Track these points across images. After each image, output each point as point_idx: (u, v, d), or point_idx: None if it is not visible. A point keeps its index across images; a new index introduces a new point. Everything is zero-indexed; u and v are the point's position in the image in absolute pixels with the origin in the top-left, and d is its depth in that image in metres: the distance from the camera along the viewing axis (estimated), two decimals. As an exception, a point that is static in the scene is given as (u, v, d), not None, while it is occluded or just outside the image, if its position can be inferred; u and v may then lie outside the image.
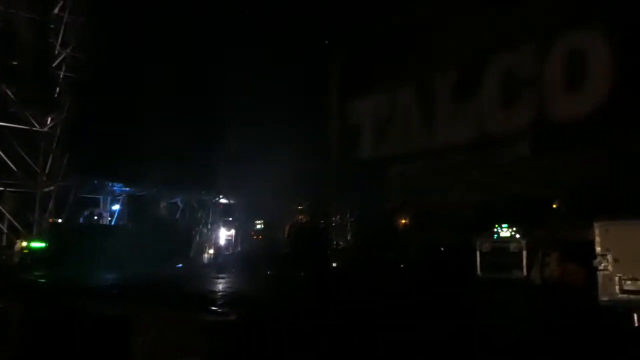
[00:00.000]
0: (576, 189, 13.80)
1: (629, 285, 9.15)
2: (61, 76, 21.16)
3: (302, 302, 12.53)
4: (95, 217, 23.49)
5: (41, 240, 19.23)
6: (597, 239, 9.63)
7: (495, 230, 15.15)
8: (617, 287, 9.26)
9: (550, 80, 14.76)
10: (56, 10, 21.16)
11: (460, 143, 16.62)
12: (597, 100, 13.63)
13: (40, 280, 16.45)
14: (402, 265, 17.87)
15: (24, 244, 19.15)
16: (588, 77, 13.95)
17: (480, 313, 10.75)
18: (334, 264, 20.46)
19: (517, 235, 14.80)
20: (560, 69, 14.52)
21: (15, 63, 20.17)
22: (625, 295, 9.21)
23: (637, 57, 12.85)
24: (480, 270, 14.76)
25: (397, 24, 18.44)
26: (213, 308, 12.15)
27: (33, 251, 18.92)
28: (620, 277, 9.27)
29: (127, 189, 24.65)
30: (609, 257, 9.38)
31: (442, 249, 16.84)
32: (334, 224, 22.02)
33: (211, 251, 26.75)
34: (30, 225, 19.84)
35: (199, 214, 27.53)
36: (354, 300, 12.54)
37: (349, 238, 21.72)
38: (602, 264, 9.45)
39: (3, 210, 19.94)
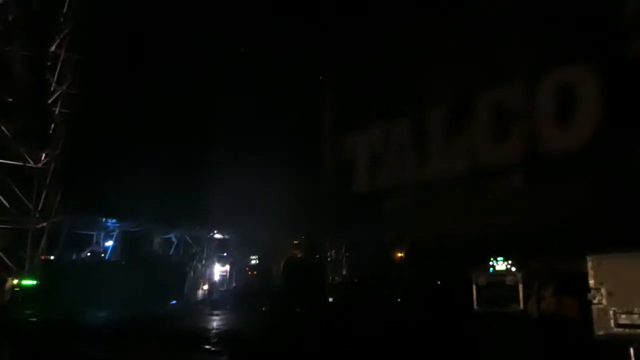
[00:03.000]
0: (570, 221, 13.80)
1: (624, 319, 9.09)
2: (56, 112, 21.26)
3: (297, 340, 12.36)
4: (88, 253, 23.31)
5: (33, 277, 18.98)
6: (591, 272, 9.63)
7: (491, 263, 15.12)
8: (612, 321, 9.20)
9: (541, 113, 14.91)
10: (53, 48, 21.42)
11: (453, 176, 16.67)
12: (588, 132, 13.77)
13: (31, 319, 16.20)
14: (398, 300, 17.72)
15: (15, 281, 18.89)
16: (578, 110, 14.11)
17: (479, 349, 10.63)
18: (330, 299, 20.27)
19: (513, 269, 14.77)
20: (551, 103, 14.69)
21: (10, 99, 20.29)
22: (620, 330, 9.14)
23: (625, 90, 13.06)
24: (477, 304, 14.67)
25: (389, 59, 18.72)
26: (206, 347, 11.99)
27: (24, 289, 18.65)
28: (615, 310, 9.22)
29: (121, 224, 24.49)
30: (603, 290, 9.36)
31: (439, 282, 16.76)
32: (329, 259, 21.91)
33: (205, 287, 26.45)
34: (22, 262, 19.61)
35: (193, 250, 27.31)
36: (351, 337, 12.38)
37: (344, 273, 21.58)
38: (597, 298, 9.42)
39: (-5, 247, 19.74)
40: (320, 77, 21.85)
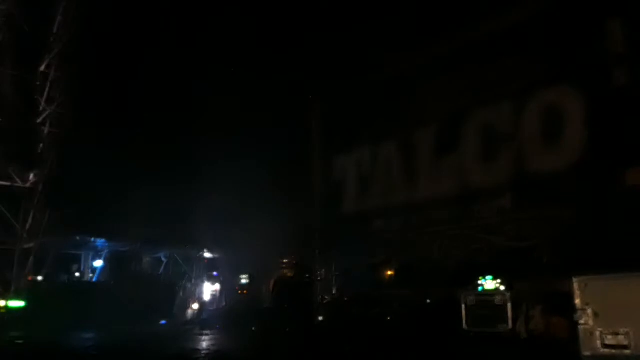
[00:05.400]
0: (558, 241, 13.93)
1: (610, 339, 9.19)
2: (45, 132, 21.22)
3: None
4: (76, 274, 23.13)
5: (19, 299, 18.77)
6: (577, 293, 9.75)
7: (480, 283, 15.16)
8: (598, 342, 9.30)
9: (529, 135, 15.14)
10: (42, 68, 21.43)
11: (442, 197, 16.83)
12: (575, 154, 13.98)
13: (17, 341, 16.00)
14: (388, 319, 17.71)
15: (2, 303, 18.66)
16: (565, 132, 14.35)
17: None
18: (320, 319, 20.21)
19: (502, 288, 14.81)
20: (538, 124, 14.93)
21: (-1, 119, 20.26)
22: (607, 350, 9.23)
23: (612, 112, 13.30)
24: (466, 324, 14.68)
25: (378, 81, 18.95)
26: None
27: (10, 311, 18.43)
28: (601, 331, 9.32)
29: (110, 244, 24.35)
30: (589, 311, 9.47)
31: (428, 301, 16.78)
32: (319, 278, 21.86)
33: (195, 307, 26.25)
34: (9, 283, 19.40)
35: (183, 269, 27.17)
36: (341, 357, 12.36)
37: (334, 292, 21.53)
38: (583, 319, 9.52)
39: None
40: (310, 97, 22.04)
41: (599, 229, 12.56)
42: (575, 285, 9.75)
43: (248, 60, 22.56)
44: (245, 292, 25.45)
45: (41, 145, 21.13)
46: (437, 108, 17.30)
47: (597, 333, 9.29)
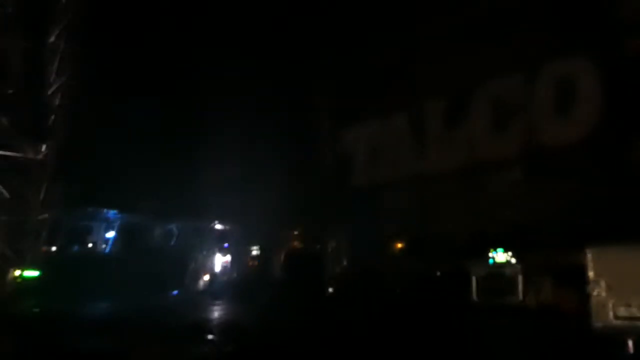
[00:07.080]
0: (569, 214, 13.84)
1: (622, 311, 9.18)
2: (56, 104, 21.20)
3: (298, 331, 12.45)
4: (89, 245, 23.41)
5: (34, 269, 19.04)
6: (590, 264, 9.71)
7: (491, 255, 15.16)
8: (610, 314, 9.29)
9: (540, 107, 14.93)
10: (52, 39, 21.31)
11: (453, 170, 16.73)
12: (587, 126, 13.79)
13: (33, 310, 16.29)
14: (398, 291, 17.80)
15: (17, 273, 18.95)
16: (577, 103, 14.13)
17: (478, 340, 10.71)
18: (330, 290, 20.36)
19: (512, 260, 14.81)
20: (550, 96, 14.70)
21: (10, 91, 20.24)
22: (619, 322, 9.23)
23: (623, 84, 13.06)
24: (477, 296, 14.75)
25: (388, 53, 18.66)
26: (208, 337, 12.08)
27: (26, 280, 18.72)
28: (613, 303, 9.30)
29: (122, 215, 24.53)
30: (602, 283, 9.43)
31: (438, 274, 16.82)
32: (329, 250, 21.94)
33: (206, 277, 26.54)
34: (23, 254, 19.65)
35: (194, 240, 27.36)
36: (351, 328, 12.46)
37: (344, 263, 21.62)
38: (596, 290, 9.50)
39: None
40: (321, 68, 21.73)
41: (611, 200, 12.44)
42: (589, 257, 9.71)
43: (258, 31, 22.23)
44: (256, 263, 25.69)
45: (52, 117, 21.16)
46: (448, 80, 17.05)
47: (610, 305, 9.29)
